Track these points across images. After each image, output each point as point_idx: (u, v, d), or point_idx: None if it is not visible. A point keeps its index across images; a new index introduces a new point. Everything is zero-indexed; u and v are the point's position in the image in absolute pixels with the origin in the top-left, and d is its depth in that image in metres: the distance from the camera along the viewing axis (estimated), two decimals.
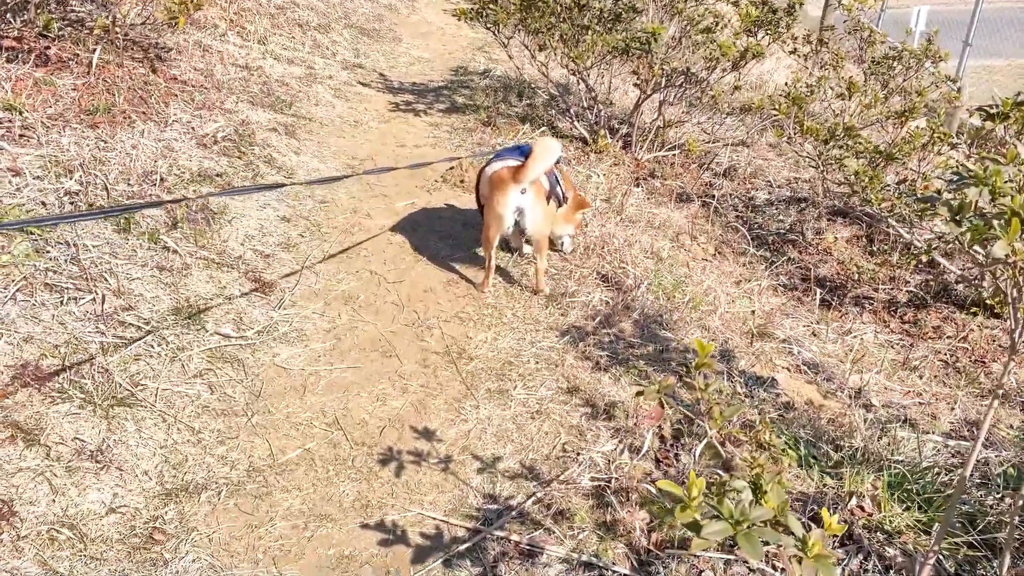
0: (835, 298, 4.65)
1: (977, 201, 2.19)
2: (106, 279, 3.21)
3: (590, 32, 5.58)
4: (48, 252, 3.19)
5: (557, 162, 3.82)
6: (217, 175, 4.21)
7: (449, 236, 4.35)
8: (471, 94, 6.73)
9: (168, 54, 5.35)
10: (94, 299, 3.09)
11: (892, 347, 4.27)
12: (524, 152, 3.69)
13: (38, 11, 4.71)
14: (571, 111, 6.18)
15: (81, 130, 4.03)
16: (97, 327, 3.00)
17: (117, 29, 4.89)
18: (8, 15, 4.55)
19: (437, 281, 3.93)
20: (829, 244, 5.26)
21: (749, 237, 5.16)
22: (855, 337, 4.25)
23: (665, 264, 4.49)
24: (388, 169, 4.34)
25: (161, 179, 3.90)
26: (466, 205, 4.74)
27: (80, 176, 3.60)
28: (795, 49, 7.30)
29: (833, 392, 3.73)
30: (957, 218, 2.21)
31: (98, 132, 4.07)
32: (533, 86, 6.89)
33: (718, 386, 2.29)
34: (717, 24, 5.90)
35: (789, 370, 3.86)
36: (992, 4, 11.71)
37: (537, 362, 3.42)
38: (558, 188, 3.95)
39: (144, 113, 4.46)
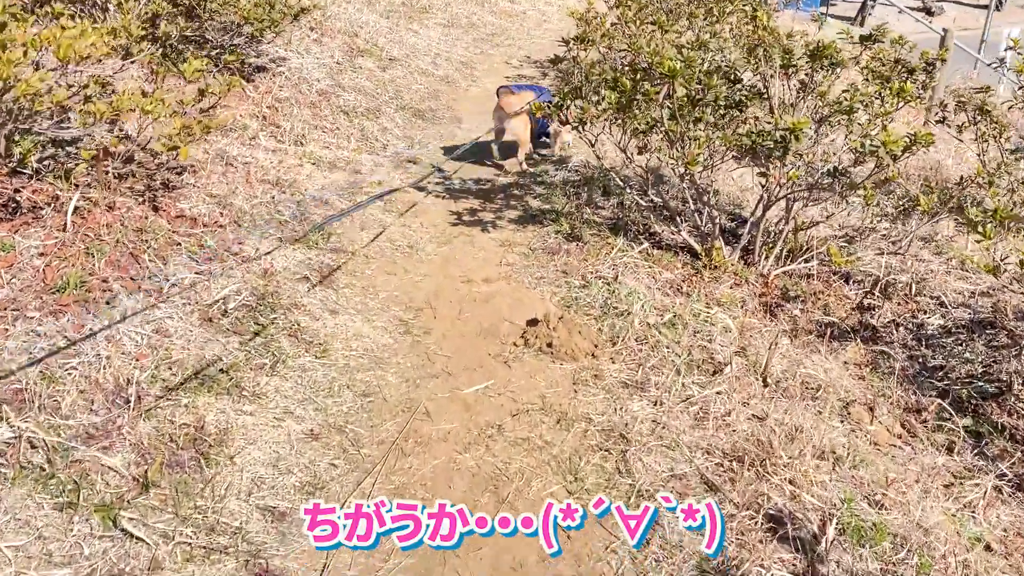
0: None
1: None
2: None
3: (703, 124, 4.34)
4: None
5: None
6: (221, 371, 3.08)
7: (542, 447, 3.09)
8: (547, 194, 5.55)
9: (180, 178, 4.33)
10: None
11: None
12: (540, 90, 5.91)
13: (10, 141, 3.73)
14: (673, 214, 4.94)
15: (39, 320, 2.96)
16: None
17: (107, 162, 3.88)
18: None
19: (532, 548, 2.67)
20: None
21: (943, 401, 3.77)
22: None
23: (846, 468, 3.16)
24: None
25: (138, 398, 2.78)
26: (554, 386, 3.48)
27: (17, 425, 2.50)
28: (944, 118, 5.91)
29: None
30: None
31: (62, 322, 3.00)
32: (621, 178, 5.66)
33: None
34: (863, 103, 4.60)
35: None
36: None
37: None
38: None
39: (132, 279, 3.39)
